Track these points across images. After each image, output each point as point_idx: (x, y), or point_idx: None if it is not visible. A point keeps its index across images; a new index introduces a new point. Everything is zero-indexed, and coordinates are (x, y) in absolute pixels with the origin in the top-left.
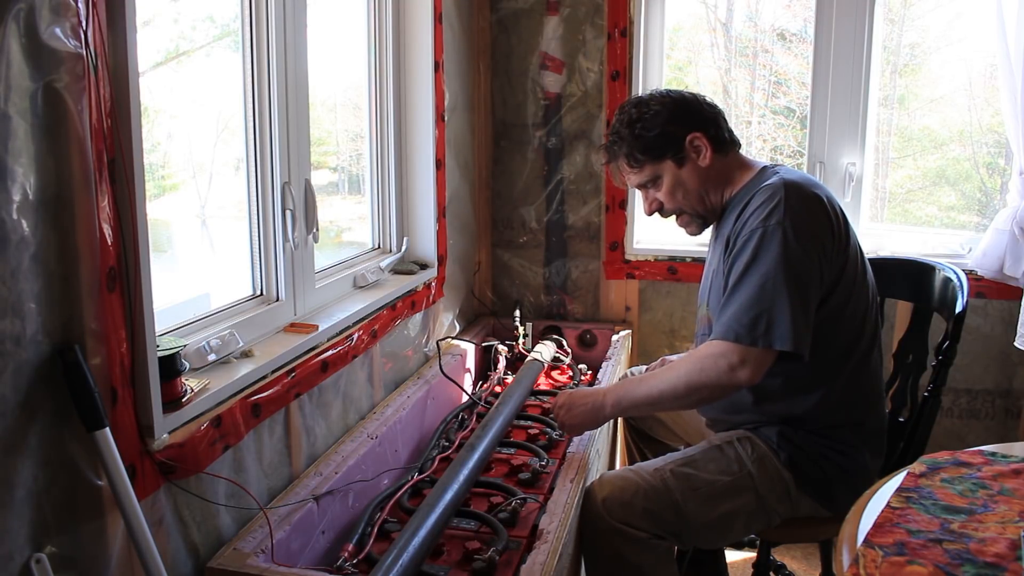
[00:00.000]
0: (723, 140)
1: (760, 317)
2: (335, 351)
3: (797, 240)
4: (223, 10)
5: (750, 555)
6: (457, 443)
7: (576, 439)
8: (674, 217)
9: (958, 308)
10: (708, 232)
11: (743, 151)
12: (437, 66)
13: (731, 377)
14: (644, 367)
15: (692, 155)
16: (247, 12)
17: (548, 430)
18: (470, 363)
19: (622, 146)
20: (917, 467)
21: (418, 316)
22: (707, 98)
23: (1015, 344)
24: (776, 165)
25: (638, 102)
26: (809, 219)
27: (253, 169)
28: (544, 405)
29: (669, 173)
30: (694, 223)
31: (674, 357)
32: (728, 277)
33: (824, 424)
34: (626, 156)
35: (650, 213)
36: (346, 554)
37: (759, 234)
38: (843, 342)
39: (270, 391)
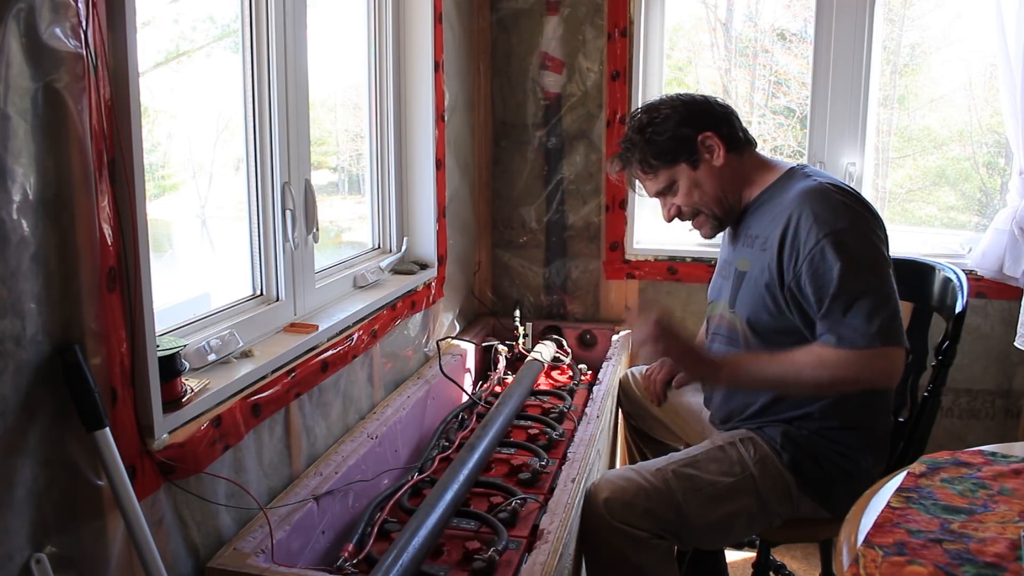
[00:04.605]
0: (737, 139)
1: (883, 321)
2: (335, 351)
3: (868, 237)
4: (223, 10)
5: (750, 555)
6: (457, 443)
7: (576, 439)
8: (690, 221)
9: (958, 308)
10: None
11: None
12: (437, 66)
13: (890, 381)
14: (645, 367)
15: (705, 155)
16: (247, 12)
17: (548, 430)
18: (470, 363)
19: (635, 152)
20: (917, 467)
21: (418, 316)
22: (719, 99)
23: (1015, 344)
24: (804, 166)
25: (649, 107)
26: (867, 217)
27: (253, 169)
28: (544, 405)
29: (685, 176)
30: (709, 224)
31: None
32: (801, 284)
33: (832, 426)
34: (640, 163)
35: (670, 220)
36: (346, 554)
37: (830, 241)
38: None
39: (270, 391)
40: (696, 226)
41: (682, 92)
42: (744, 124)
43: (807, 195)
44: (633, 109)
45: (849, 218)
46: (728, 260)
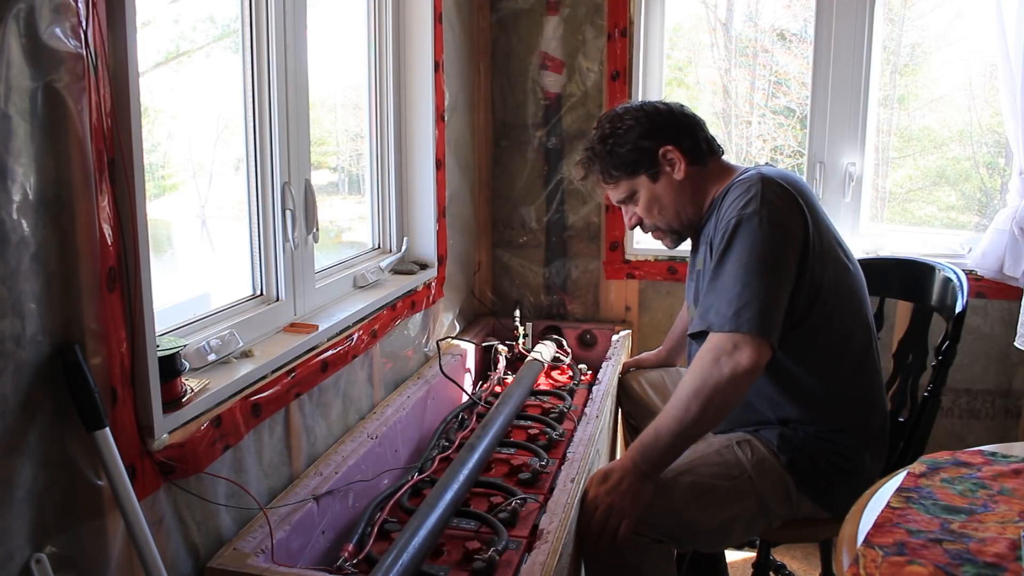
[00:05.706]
0: (699, 151)
1: (743, 306)
2: (335, 351)
3: (771, 229)
4: (223, 11)
5: (750, 555)
6: (457, 443)
7: (576, 439)
8: (650, 232)
9: (958, 308)
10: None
11: (743, 153)
12: (437, 66)
13: (733, 365)
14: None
15: (666, 168)
16: (247, 12)
17: (548, 430)
18: (470, 363)
19: (596, 162)
20: (917, 467)
21: (418, 316)
22: (685, 108)
23: (1015, 344)
24: (759, 165)
25: (612, 116)
26: (783, 212)
27: (253, 169)
28: (544, 405)
29: (644, 188)
30: (669, 238)
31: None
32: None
33: (826, 427)
34: (601, 172)
35: (631, 228)
36: (346, 554)
37: (734, 223)
38: (835, 343)
39: (270, 391)
40: (656, 238)
41: (648, 101)
42: (738, 124)
43: (737, 184)
44: (600, 116)
45: (759, 206)
46: (694, 264)
